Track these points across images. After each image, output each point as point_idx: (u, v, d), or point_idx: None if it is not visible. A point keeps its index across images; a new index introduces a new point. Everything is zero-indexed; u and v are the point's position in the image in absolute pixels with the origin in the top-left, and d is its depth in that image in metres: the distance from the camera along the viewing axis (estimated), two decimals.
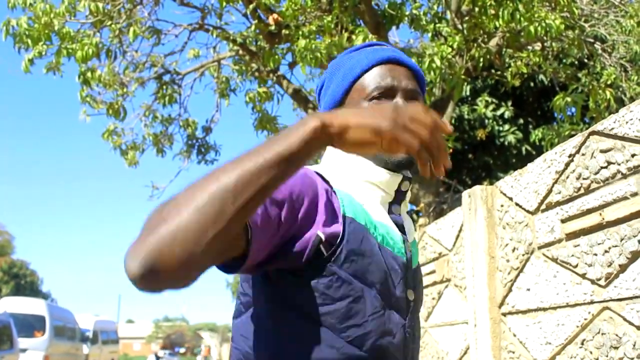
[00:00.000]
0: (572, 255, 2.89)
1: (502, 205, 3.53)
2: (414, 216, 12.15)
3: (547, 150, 5.65)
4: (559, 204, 3.00)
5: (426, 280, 4.61)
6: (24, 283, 44.61)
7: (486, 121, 11.06)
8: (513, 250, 3.37)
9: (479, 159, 11.84)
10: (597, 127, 2.75)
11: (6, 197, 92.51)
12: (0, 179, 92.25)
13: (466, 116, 11.25)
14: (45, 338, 19.85)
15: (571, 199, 2.91)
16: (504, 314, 3.44)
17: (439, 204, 7.63)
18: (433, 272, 4.48)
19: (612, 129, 2.64)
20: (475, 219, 3.71)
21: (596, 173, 2.73)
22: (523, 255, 3.28)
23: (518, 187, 3.37)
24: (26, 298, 24.28)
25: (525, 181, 3.30)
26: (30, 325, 19.50)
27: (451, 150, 8.47)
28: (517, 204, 3.37)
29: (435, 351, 4.40)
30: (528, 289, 3.21)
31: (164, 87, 9.71)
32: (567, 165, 2.95)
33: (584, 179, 2.82)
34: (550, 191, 3.07)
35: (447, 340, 4.23)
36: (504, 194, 3.51)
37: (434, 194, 7.89)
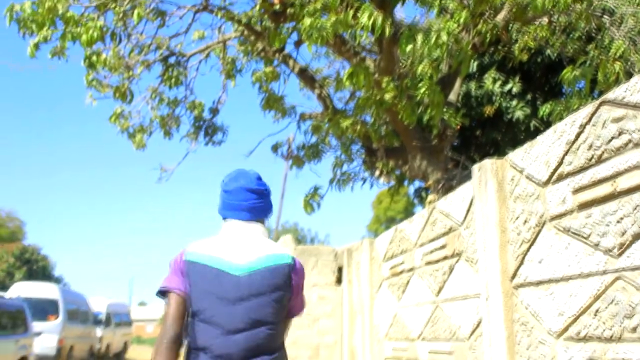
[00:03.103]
0: (585, 226, 2.87)
1: (512, 178, 3.51)
2: (423, 194, 12.13)
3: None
4: (570, 174, 2.99)
5: (437, 255, 4.61)
6: (36, 268, 44.86)
7: (494, 97, 10.98)
8: (524, 223, 3.36)
9: (487, 136, 11.77)
10: (609, 96, 2.73)
11: (16, 184, 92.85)
12: (9, 166, 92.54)
13: (473, 92, 11.17)
14: (59, 321, 20.00)
15: (583, 169, 2.89)
16: (516, 287, 3.43)
17: (447, 180, 7.59)
18: (444, 246, 4.48)
19: (624, 97, 2.62)
20: (486, 192, 3.69)
21: (608, 142, 2.71)
22: (534, 227, 3.26)
23: (528, 159, 3.35)
24: (39, 283, 24.44)
25: (536, 153, 3.28)
26: (44, 309, 19.65)
27: (459, 127, 8.43)
28: (527, 176, 3.35)
29: (448, 325, 4.40)
30: (540, 261, 3.21)
31: (170, 69, 9.69)
32: (578, 135, 2.93)
33: (595, 148, 2.80)
34: (561, 162, 3.06)
35: (459, 314, 4.23)
36: (515, 167, 3.49)
37: (442, 171, 7.85)
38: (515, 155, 3.50)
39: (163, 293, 2.73)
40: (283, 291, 2.73)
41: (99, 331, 25.69)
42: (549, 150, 3.16)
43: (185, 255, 2.73)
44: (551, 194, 3.13)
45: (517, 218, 3.43)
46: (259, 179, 3.01)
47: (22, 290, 19.69)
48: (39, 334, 17.41)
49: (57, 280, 45.52)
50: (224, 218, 2.93)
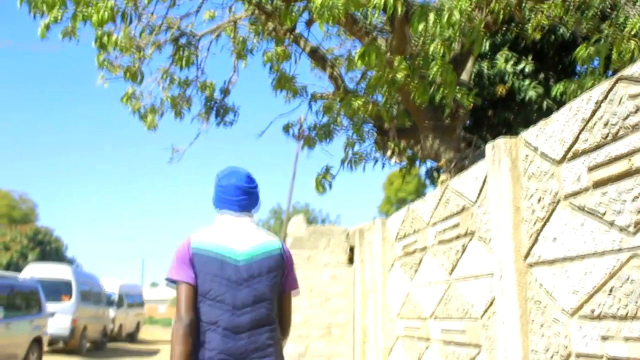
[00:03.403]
0: (600, 204, 2.85)
1: (526, 156, 3.49)
2: (435, 174, 12.09)
3: None
4: (585, 152, 2.96)
5: (449, 234, 4.60)
6: (49, 249, 45.19)
7: (506, 76, 10.90)
8: (538, 201, 3.34)
9: (499, 116, 11.70)
10: (625, 72, 2.70)
11: (28, 166, 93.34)
12: (22, 149, 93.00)
13: (486, 72, 11.09)
14: (72, 302, 20.17)
15: (598, 146, 2.87)
16: (530, 265, 3.42)
17: (460, 160, 7.56)
18: (457, 225, 4.46)
19: None
20: (500, 170, 3.67)
21: (625, 119, 2.68)
22: (549, 205, 3.25)
23: (543, 137, 3.32)
24: (52, 264, 24.60)
25: (551, 130, 3.25)
26: (57, 290, 19.81)
27: (471, 106, 8.38)
28: (542, 154, 3.33)
29: (461, 304, 4.40)
30: (554, 239, 3.19)
31: (181, 49, 9.66)
32: (594, 112, 2.90)
33: (611, 126, 2.77)
34: (576, 139, 3.03)
35: (472, 293, 4.23)
36: (529, 145, 3.47)
37: (455, 150, 7.82)
38: (529, 134, 3.48)
39: (171, 281, 3.25)
40: (276, 272, 3.33)
41: (111, 312, 25.90)
42: (564, 127, 3.14)
43: (191, 245, 3.29)
44: (566, 172, 3.11)
45: (531, 196, 3.42)
46: (249, 177, 3.53)
47: (36, 271, 19.84)
48: (52, 314, 17.58)
49: (70, 262, 45.86)
50: (218, 209, 3.47)
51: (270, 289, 3.27)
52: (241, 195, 3.41)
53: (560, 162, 3.16)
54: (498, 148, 3.70)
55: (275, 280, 3.30)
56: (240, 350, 3.19)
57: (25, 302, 14.63)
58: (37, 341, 14.76)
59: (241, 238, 3.36)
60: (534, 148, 3.41)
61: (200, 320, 3.19)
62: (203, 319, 3.20)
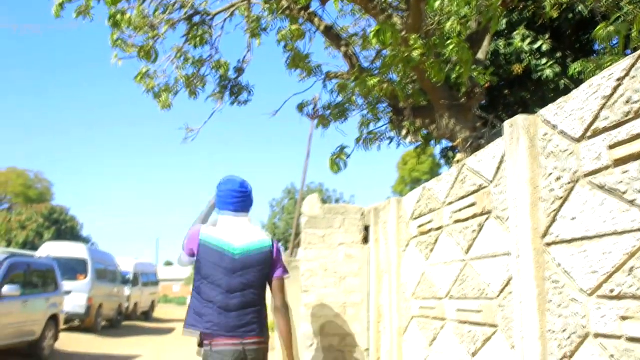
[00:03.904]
0: (620, 182, 2.81)
1: (545, 134, 3.44)
2: (450, 154, 12.03)
3: None
4: (606, 130, 2.92)
5: (466, 213, 4.57)
6: (65, 228, 45.56)
7: (523, 55, 10.80)
8: (557, 180, 3.30)
9: (515, 95, 11.61)
10: None
11: (43, 146, 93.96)
12: (37, 128, 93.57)
13: (502, 50, 11.00)
14: (87, 281, 20.38)
15: (619, 124, 2.82)
16: (548, 244, 3.39)
17: (476, 139, 7.51)
18: (473, 204, 4.43)
19: None
20: (518, 149, 3.63)
21: None
22: (568, 184, 3.21)
23: (562, 115, 3.28)
24: (68, 242, 24.83)
25: (570, 108, 3.21)
26: (73, 268, 20.02)
27: (487, 85, 8.31)
28: (561, 132, 3.28)
29: (477, 283, 4.38)
30: (573, 218, 3.15)
31: (195, 28, 9.64)
32: (615, 89, 2.85)
33: (633, 102, 2.72)
34: (596, 117, 2.98)
35: (488, 273, 4.20)
36: (547, 122, 3.42)
37: (471, 130, 7.77)
38: (548, 111, 3.43)
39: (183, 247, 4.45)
40: (264, 266, 4.33)
41: (127, 290, 26.15)
42: (583, 105, 3.09)
43: (200, 234, 4.33)
44: (586, 150, 3.07)
45: (549, 175, 3.37)
46: (243, 184, 4.50)
47: (52, 249, 20.04)
48: (68, 292, 17.76)
49: (85, 241, 46.23)
50: (220, 210, 4.47)
51: (257, 279, 4.29)
52: (237, 198, 4.39)
53: (580, 140, 3.12)
54: (516, 126, 3.66)
55: (262, 272, 4.32)
56: (230, 325, 4.12)
57: (42, 280, 14.78)
58: (53, 319, 14.94)
59: (238, 235, 4.31)
60: (553, 126, 3.36)
61: (201, 296, 4.19)
62: (203, 297, 4.18)
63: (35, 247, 30.94)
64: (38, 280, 14.62)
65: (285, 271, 4.52)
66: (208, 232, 4.30)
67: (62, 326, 16.11)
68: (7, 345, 12.80)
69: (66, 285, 16.97)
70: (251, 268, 4.29)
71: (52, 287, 15.15)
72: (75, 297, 19.26)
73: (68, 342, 17.26)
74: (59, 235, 41.79)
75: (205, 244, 4.26)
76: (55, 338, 15.34)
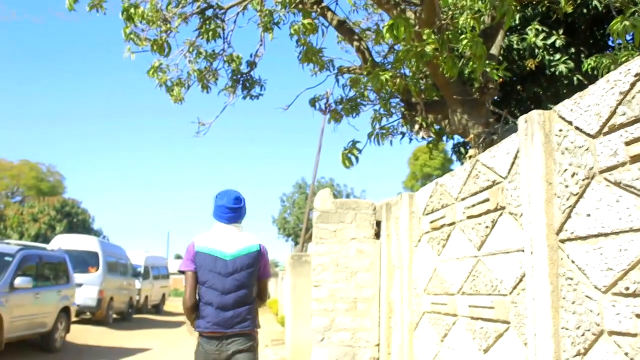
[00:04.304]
0: (637, 179, 2.79)
1: (560, 130, 3.42)
2: (462, 149, 11.99)
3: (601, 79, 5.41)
4: (623, 126, 2.89)
5: (479, 209, 4.55)
6: (77, 221, 45.74)
7: (536, 51, 10.73)
8: (572, 176, 3.27)
9: (528, 91, 11.54)
10: None
11: (55, 139, 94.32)
12: (49, 122, 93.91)
13: (515, 46, 10.92)
14: (99, 274, 20.44)
15: (637, 120, 2.79)
16: (562, 241, 3.37)
17: (489, 135, 7.47)
18: (487, 200, 4.41)
19: None
20: (532, 145, 3.60)
21: None
22: (583, 180, 3.18)
23: (578, 111, 3.25)
24: (80, 235, 24.90)
25: (586, 104, 3.18)
26: (85, 261, 20.08)
27: (501, 81, 8.26)
28: (577, 128, 3.25)
29: (489, 280, 4.36)
30: (588, 215, 3.13)
31: (208, 22, 9.63)
32: (633, 85, 2.82)
33: None
34: (613, 113, 2.96)
35: (501, 269, 4.19)
36: (563, 119, 3.40)
37: (484, 125, 7.73)
38: (564, 107, 3.40)
39: (183, 272, 4.91)
40: (254, 268, 4.89)
41: (138, 283, 26.21)
42: (600, 101, 3.06)
43: (195, 247, 4.88)
44: (602, 147, 3.04)
45: (564, 171, 3.35)
46: (237, 199, 5.02)
47: (63, 242, 20.10)
48: (80, 285, 17.82)
49: (97, 234, 46.41)
50: (215, 219, 5.02)
51: (248, 280, 4.85)
52: (229, 213, 4.96)
53: (596, 136, 3.09)
54: (531, 122, 3.63)
55: (252, 273, 4.88)
56: (227, 321, 4.76)
57: (54, 272, 14.85)
58: (65, 311, 14.99)
59: (229, 242, 4.90)
60: (569, 122, 3.33)
61: (201, 299, 4.83)
62: (202, 300, 4.82)
63: (47, 240, 31.10)
64: (50, 272, 14.68)
65: (269, 274, 5.17)
66: (202, 243, 4.91)
67: (73, 319, 16.18)
68: (19, 337, 12.87)
69: (78, 278, 17.02)
70: (242, 271, 4.86)
71: (64, 279, 15.22)
72: (86, 290, 19.32)
73: (80, 334, 17.34)
74: (71, 228, 41.98)
75: (201, 253, 4.85)
76: (67, 330, 15.41)
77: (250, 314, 4.85)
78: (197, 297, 4.86)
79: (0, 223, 40.94)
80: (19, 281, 12.33)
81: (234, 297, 4.79)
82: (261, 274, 5.00)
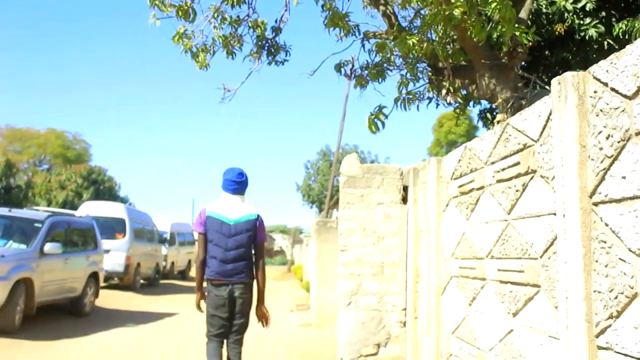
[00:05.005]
0: None
1: (595, 92, 3.37)
2: (488, 115, 11.87)
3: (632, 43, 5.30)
4: None
5: (509, 173, 4.52)
6: (103, 189, 46.17)
7: (565, 15, 10.53)
8: (607, 138, 3.23)
9: (557, 55, 11.35)
10: None
11: (80, 107, 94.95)
12: (74, 90, 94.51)
13: (544, 10, 10.73)
14: (126, 240, 20.68)
15: None
16: (595, 204, 3.34)
17: (517, 100, 7.39)
18: (517, 164, 4.37)
19: None
20: (566, 106, 3.56)
21: None
22: (618, 142, 3.14)
23: (614, 72, 3.20)
24: (106, 202, 25.14)
25: (623, 64, 3.12)
26: (112, 227, 20.31)
27: (530, 45, 8.14)
28: (612, 89, 3.20)
29: (519, 243, 4.34)
30: (623, 177, 3.09)
31: None
32: None
33: None
34: None
35: (531, 232, 4.17)
36: (598, 80, 3.34)
37: (512, 90, 7.64)
38: (599, 68, 3.35)
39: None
40: (252, 232, 6.26)
41: (164, 249, 26.49)
42: (637, 61, 3.00)
43: (206, 212, 6.27)
44: (638, 108, 2.99)
45: (599, 133, 3.31)
46: (240, 174, 6.37)
47: (91, 209, 20.35)
48: (107, 251, 18.06)
49: (123, 201, 46.85)
50: (223, 190, 6.36)
51: (246, 241, 6.24)
52: (233, 185, 6.32)
53: (633, 97, 3.04)
54: (565, 83, 3.58)
55: (250, 236, 6.25)
56: (228, 272, 6.14)
57: (82, 238, 15.06)
58: (93, 276, 15.24)
59: (233, 210, 6.28)
60: (604, 83, 3.28)
61: (208, 253, 6.22)
62: (209, 254, 6.21)
63: (74, 207, 31.47)
64: (78, 238, 14.89)
65: (265, 238, 6.48)
66: (212, 209, 6.31)
67: (102, 284, 16.44)
68: (50, 301, 13.11)
69: (105, 244, 17.25)
70: (242, 233, 6.22)
71: (91, 245, 15.43)
72: (114, 255, 19.58)
73: (108, 299, 17.62)
74: (97, 195, 42.39)
75: (210, 217, 6.26)
76: (96, 295, 15.66)
77: (246, 268, 6.23)
78: (207, 251, 6.26)
79: (29, 190, 41.44)
80: (48, 247, 12.53)
81: (234, 253, 6.16)
82: (257, 238, 6.33)
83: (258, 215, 6.38)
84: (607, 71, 3.26)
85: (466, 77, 8.67)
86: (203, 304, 6.50)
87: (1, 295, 10.78)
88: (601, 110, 3.30)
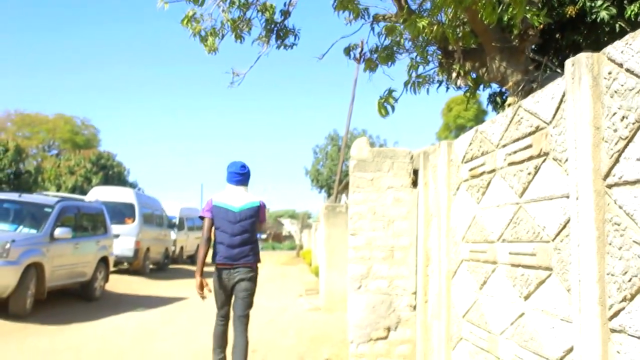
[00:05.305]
0: None
1: (609, 73, 3.33)
2: (497, 99, 11.80)
3: None
4: None
5: (521, 156, 4.49)
6: (112, 174, 46.34)
7: None
8: (622, 119, 3.20)
9: (567, 38, 11.24)
10: None
11: (88, 92, 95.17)
12: (83, 75, 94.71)
13: None
14: (135, 224, 20.76)
15: None
16: (609, 186, 3.31)
17: (528, 83, 7.33)
18: (529, 146, 4.34)
19: None
20: (580, 88, 3.52)
21: None
22: (633, 123, 3.10)
23: (629, 52, 3.15)
24: (116, 187, 25.27)
25: (639, 45, 3.08)
26: (121, 212, 20.39)
27: (541, 27, 8.07)
28: (627, 70, 3.16)
29: (531, 226, 4.32)
30: (638, 159, 3.06)
31: None
32: None
33: None
34: None
35: (543, 215, 4.14)
36: (613, 60, 3.30)
37: (522, 73, 7.58)
38: (614, 49, 3.30)
39: (202, 217, 7.08)
40: (255, 218, 6.99)
41: (173, 234, 26.59)
42: None
43: (212, 202, 6.95)
44: None
45: (613, 114, 3.27)
46: (242, 166, 7.07)
47: (100, 194, 20.42)
48: (117, 236, 18.14)
49: (132, 185, 47.00)
50: (227, 182, 7.04)
51: (250, 226, 6.95)
52: (237, 177, 7.04)
53: None
54: (578, 64, 3.54)
55: (253, 222, 6.99)
56: (234, 256, 6.81)
57: (92, 223, 15.13)
58: (103, 261, 15.33)
59: (237, 199, 6.98)
60: (619, 64, 3.24)
61: (216, 239, 6.90)
62: (217, 240, 6.88)
63: (83, 192, 31.59)
64: (88, 223, 14.95)
65: (265, 219, 7.22)
66: (218, 199, 7.00)
67: (111, 268, 16.52)
68: (60, 285, 13.20)
69: (115, 229, 17.32)
70: (245, 220, 6.93)
71: (101, 230, 15.50)
72: (123, 240, 19.68)
73: (118, 283, 17.72)
74: (106, 181, 42.58)
75: (217, 206, 6.97)
76: (106, 279, 15.76)
77: (251, 251, 6.92)
78: (212, 237, 7.01)
79: (38, 176, 41.59)
80: (58, 231, 12.60)
81: (239, 238, 6.84)
82: (260, 219, 7.10)
83: (260, 202, 7.13)
84: (622, 52, 3.22)
85: (476, 60, 8.61)
86: (206, 292, 6.94)
87: (12, 279, 10.85)
88: (616, 92, 3.26)
